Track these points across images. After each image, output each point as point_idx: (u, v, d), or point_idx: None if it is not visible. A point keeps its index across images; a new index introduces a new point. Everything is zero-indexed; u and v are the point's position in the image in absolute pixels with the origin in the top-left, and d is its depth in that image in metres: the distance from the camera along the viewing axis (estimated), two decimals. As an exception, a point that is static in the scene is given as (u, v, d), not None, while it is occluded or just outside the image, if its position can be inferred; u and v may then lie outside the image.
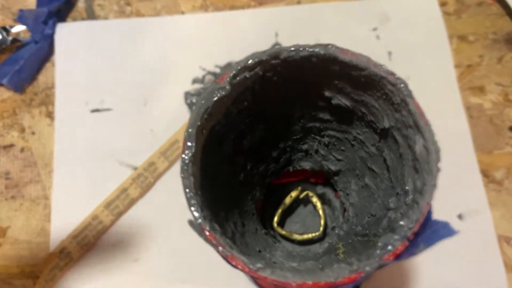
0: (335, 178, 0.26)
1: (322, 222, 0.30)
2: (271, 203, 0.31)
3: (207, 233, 0.15)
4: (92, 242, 0.39)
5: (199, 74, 0.44)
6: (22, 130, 0.43)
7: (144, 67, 0.44)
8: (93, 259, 0.39)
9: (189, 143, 0.16)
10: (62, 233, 0.39)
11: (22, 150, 0.42)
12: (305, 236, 0.30)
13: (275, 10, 0.46)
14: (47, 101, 0.44)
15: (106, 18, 0.46)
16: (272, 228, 0.30)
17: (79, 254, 0.39)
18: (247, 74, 0.18)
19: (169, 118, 0.43)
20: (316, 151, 0.25)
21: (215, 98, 0.17)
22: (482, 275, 0.38)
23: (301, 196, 0.31)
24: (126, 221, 0.40)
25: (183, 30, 0.45)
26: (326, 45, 0.17)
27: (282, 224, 0.32)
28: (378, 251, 0.15)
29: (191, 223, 0.16)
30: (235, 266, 0.15)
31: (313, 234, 0.30)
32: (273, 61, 0.18)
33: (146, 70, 0.44)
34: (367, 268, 0.14)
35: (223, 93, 0.17)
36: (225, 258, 0.15)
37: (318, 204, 0.31)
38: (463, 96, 0.43)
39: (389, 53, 0.44)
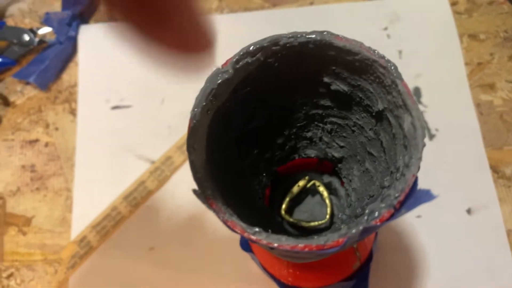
0: (339, 165, 0.28)
1: (329, 210, 0.31)
2: (279, 192, 0.32)
3: (210, 200, 0.17)
4: (110, 232, 0.41)
5: (214, 72, 0.46)
6: (47, 126, 0.45)
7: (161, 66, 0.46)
8: (111, 248, 0.41)
9: (194, 121, 0.18)
10: (82, 223, 0.41)
11: (46, 144, 0.44)
12: (312, 224, 0.31)
13: (288, 11, 0.47)
14: (70, 99, 0.46)
15: (126, 20, 0.48)
16: (280, 216, 0.31)
17: (98, 243, 0.41)
18: (249, 60, 0.19)
19: (185, 115, 0.44)
20: (320, 139, 0.26)
21: (219, 81, 0.19)
22: (490, 269, 0.38)
23: (308, 185, 0.32)
24: (143, 212, 0.41)
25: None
26: (322, 32, 0.18)
27: (290, 214, 0.33)
28: (365, 217, 0.16)
29: (195, 191, 0.17)
30: (234, 230, 0.17)
31: (320, 222, 0.31)
32: (274, 48, 0.19)
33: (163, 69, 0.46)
34: (353, 231, 0.15)
35: (226, 76, 0.19)
36: (225, 223, 0.17)
37: (325, 193, 0.32)
38: (473, 93, 0.43)
39: (400, 52, 0.45)
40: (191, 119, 0.18)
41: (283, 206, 0.31)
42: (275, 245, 0.16)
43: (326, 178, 0.31)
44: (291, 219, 0.31)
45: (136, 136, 0.44)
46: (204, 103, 0.18)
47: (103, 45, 0.48)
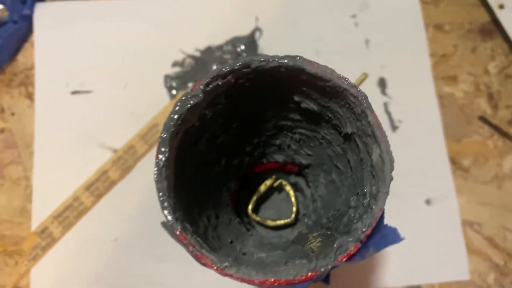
0: (306, 170, 0.28)
1: (294, 209, 0.32)
2: (246, 192, 0.32)
3: (178, 233, 0.17)
4: (73, 223, 0.40)
5: (179, 57, 0.44)
6: (2, 110, 0.43)
7: (124, 49, 0.44)
8: (74, 239, 0.40)
9: (163, 148, 0.17)
10: (43, 213, 0.40)
11: (2, 131, 0.42)
12: (278, 222, 0.32)
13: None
14: (26, 82, 0.44)
15: (86, -2, 0.46)
16: (247, 215, 0.32)
17: (61, 234, 0.40)
18: (219, 82, 0.19)
19: (149, 101, 0.43)
20: (288, 146, 0.26)
21: (188, 106, 0.18)
22: (445, 257, 0.40)
23: (275, 184, 0.32)
24: (106, 202, 0.41)
25: (164, 13, 0.45)
26: (295, 57, 0.18)
27: (257, 211, 0.33)
28: (333, 252, 0.16)
29: (164, 224, 0.17)
30: (204, 264, 0.17)
31: (286, 220, 0.32)
32: (245, 70, 0.19)
33: (127, 52, 0.44)
34: (322, 269, 0.16)
35: (196, 100, 0.18)
36: (195, 257, 0.17)
37: (291, 192, 0.32)
38: (437, 84, 0.44)
39: (366, 41, 0.45)
40: (159, 146, 0.18)
41: (250, 205, 0.32)
42: (246, 278, 0.16)
43: (293, 179, 0.31)
44: (257, 218, 0.32)
45: (98, 123, 0.43)
46: (172, 129, 0.18)
47: (61, 24, 0.45)
